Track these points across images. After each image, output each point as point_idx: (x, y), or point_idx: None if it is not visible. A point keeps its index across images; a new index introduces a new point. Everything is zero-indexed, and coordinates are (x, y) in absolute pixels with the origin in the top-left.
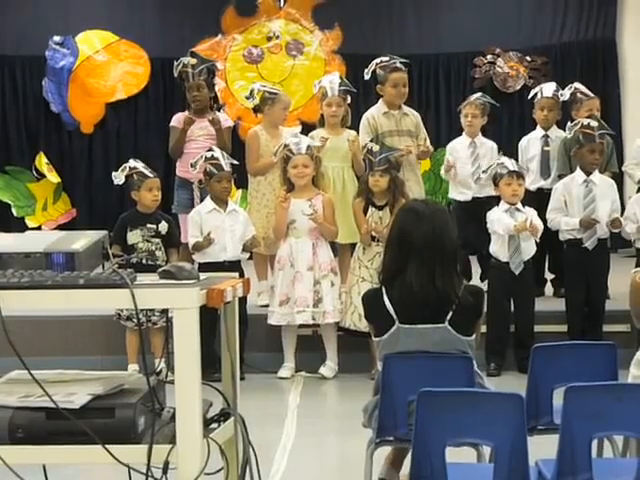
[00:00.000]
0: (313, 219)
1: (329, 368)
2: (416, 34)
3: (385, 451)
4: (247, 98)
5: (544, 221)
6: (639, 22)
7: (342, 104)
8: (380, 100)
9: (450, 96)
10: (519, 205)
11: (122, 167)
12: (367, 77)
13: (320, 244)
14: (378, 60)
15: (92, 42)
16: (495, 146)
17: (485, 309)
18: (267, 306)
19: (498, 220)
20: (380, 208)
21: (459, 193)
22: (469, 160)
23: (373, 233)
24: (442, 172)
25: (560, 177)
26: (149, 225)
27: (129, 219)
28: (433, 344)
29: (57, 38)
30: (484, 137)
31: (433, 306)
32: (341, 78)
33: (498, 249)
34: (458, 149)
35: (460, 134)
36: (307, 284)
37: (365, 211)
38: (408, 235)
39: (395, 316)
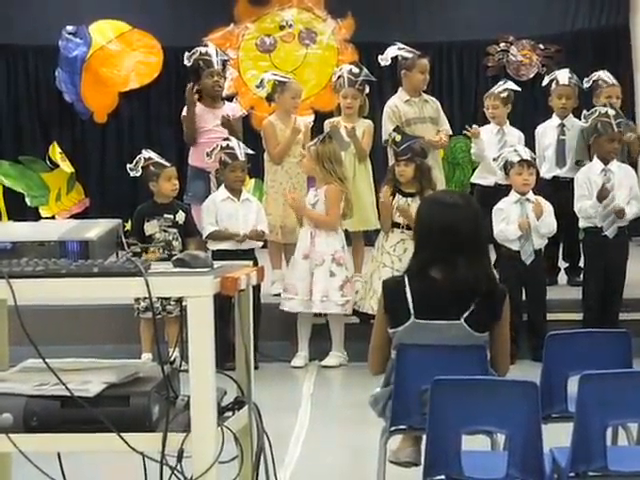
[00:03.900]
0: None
1: (332, 357)
2: (429, 22)
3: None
4: (257, 87)
5: (559, 209)
6: None
7: (358, 96)
8: (400, 88)
9: (463, 85)
10: (530, 194)
11: (136, 159)
12: (387, 63)
13: (318, 233)
14: (401, 45)
15: (105, 32)
16: (522, 135)
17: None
18: (280, 295)
19: (502, 230)
20: (409, 195)
21: (482, 178)
22: (497, 147)
23: (396, 218)
24: (473, 151)
25: (578, 163)
26: (166, 215)
27: (146, 210)
28: (447, 340)
29: (70, 28)
30: (512, 126)
31: (452, 302)
32: (360, 67)
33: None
34: (485, 136)
35: (474, 122)
36: (300, 272)
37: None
38: (445, 228)
39: (413, 310)
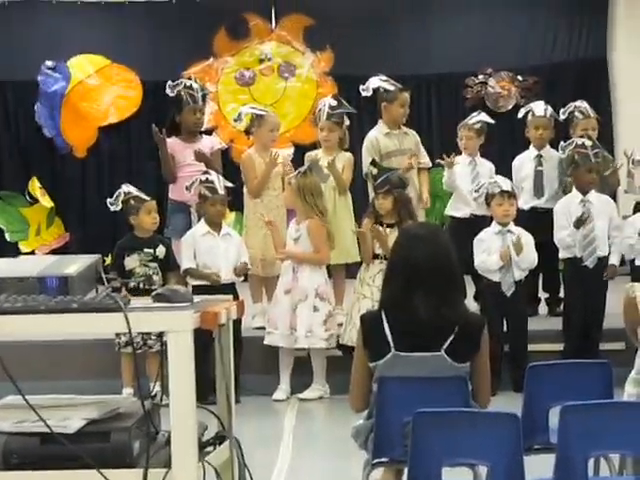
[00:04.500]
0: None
1: (312, 389)
2: (408, 55)
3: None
4: (235, 121)
5: (538, 240)
6: (629, 41)
7: (335, 129)
8: (380, 121)
9: (442, 117)
10: (511, 225)
11: (116, 194)
12: (368, 94)
13: (302, 268)
14: (383, 77)
15: (84, 66)
16: (493, 167)
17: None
18: (262, 328)
19: (483, 261)
20: (389, 227)
21: (457, 209)
22: (469, 177)
23: (377, 249)
24: (445, 180)
25: (565, 191)
26: (146, 250)
27: (126, 244)
28: (428, 371)
29: (49, 63)
30: (483, 158)
31: (431, 334)
32: (339, 100)
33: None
34: (457, 167)
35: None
36: (282, 307)
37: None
38: (408, 260)
39: (392, 343)
